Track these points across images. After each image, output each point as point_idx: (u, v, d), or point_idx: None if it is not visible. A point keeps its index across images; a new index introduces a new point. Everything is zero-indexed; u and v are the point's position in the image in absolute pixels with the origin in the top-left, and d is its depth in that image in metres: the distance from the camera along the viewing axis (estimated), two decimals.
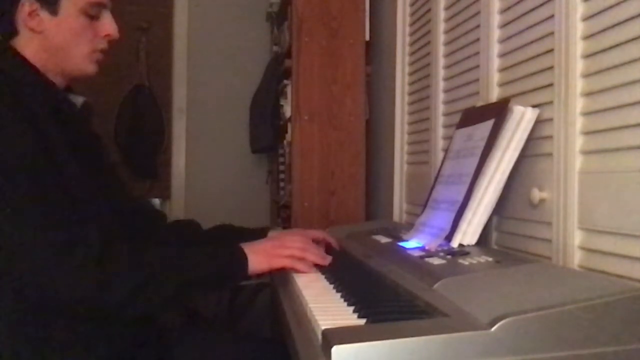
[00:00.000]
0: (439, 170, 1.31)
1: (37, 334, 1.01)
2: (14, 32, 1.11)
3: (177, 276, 1.03)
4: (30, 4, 1.09)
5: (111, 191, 1.23)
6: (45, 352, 1.01)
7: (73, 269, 0.95)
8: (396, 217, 1.84)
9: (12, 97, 1.02)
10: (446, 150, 1.32)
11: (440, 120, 1.52)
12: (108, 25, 1.16)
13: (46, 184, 0.99)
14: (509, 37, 1.17)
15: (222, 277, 1.10)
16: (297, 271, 1.13)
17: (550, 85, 1.01)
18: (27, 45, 1.11)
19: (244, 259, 1.09)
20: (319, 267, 1.16)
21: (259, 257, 1.11)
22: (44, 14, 1.10)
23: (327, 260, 1.17)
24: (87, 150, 1.18)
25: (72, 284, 0.95)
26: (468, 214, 1.07)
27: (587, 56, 0.93)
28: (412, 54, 1.78)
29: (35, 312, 1.01)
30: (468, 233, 1.07)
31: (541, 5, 1.05)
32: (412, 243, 1.19)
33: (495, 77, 1.22)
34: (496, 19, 1.22)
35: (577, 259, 0.92)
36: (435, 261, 0.96)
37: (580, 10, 0.94)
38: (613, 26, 0.87)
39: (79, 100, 1.19)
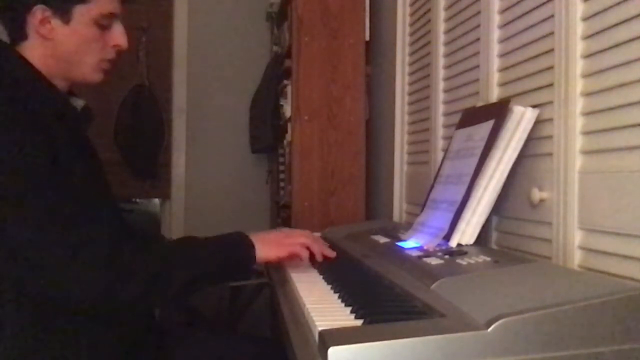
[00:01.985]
0: (438, 170, 1.30)
1: (37, 335, 1.01)
2: (23, 37, 1.11)
3: (187, 269, 1.03)
4: (42, 11, 1.08)
5: (108, 194, 1.23)
6: (45, 353, 1.01)
7: (85, 268, 0.95)
8: (396, 217, 1.84)
9: (17, 100, 1.02)
10: (446, 151, 1.31)
11: (440, 120, 1.51)
12: (118, 35, 1.16)
13: (54, 185, 0.99)
14: (509, 37, 1.17)
15: (230, 265, 1.11)
16: (301, 259, 1.15)
17: (550, 85, 1.00)
18: (35, 50, 1.10)
19: (251, 246, 1.10)
20: (319, 267, 1.16)
21: (267, 245, 1.12)
22: (56, 22, 1.10)
23: (333, 253, 1.19)
24: (87, 153, 1.18)
25: (84, 283, 0.96)
26: (467, 214, 1.07)
27: (587, 56, 0.93)
28: (412, 54, 1.78)
29: (36, 315, 1.01)
30: (466, 233, 1.07)
31: (541, 5, 1.05)
32: (410, 243, 1.19)
33: (495, 77, 1.21)
34: (496, 19, 1.21)
35: (577, 259, 0.92)
36: (433, 261, 0.96)
37: (580, 10, 0.94)
38: (613, 26, 0.87)
39: (79, 103, 1.19)
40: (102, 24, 1.13)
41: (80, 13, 1.10)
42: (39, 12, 1.08)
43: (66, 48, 1.11)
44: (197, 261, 1.06)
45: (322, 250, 1.19)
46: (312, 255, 1.18)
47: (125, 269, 0.98)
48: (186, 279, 1.03)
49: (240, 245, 1.10)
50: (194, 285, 1.06)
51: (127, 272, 0.97)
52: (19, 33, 1.11)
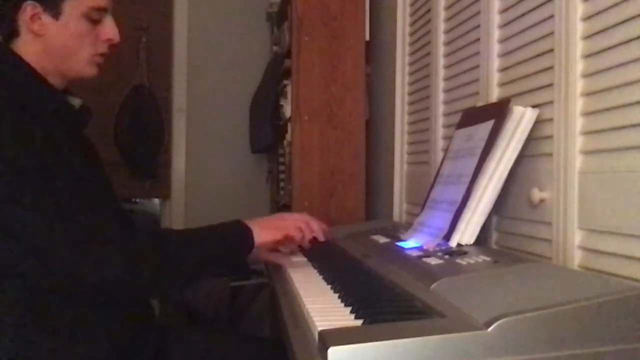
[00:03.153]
0: (438, 170, 1.30)
1: (38, 332, 1.01)
2: (14, 34, 1.11)
3: (194, 254, 1.07)
4: (32, 7, 1.09)
5: (110, 192, 1.24)
6: (46, 350, 1.01)
7: (101, 253, 0.98)
8: (396, 217, 1.84)
9: (15, 97, 1.02)
10: (446, 151, 1.31)
11: (440, 120, 1.51)
12: (109, 29, 1.16)
13: (61, 177, 1.00)
14: (509, 37, 1.17)
15: (231, 250, 1.15)
16: (295, 242, 1.23)
17: (550, 85, 1.00)
18: (28, 47, 1.11)
19: (248, 231, 1.15)
20: (319, 267, 1.17)
21: (263, 229, 1.17)
22: (46, 18, 1.10)
23: (323, 238, 1.26)
24: (86, 151, 1.18)
25: (101, 267, 0.98)
26: (467, 214, 1.07)
27: (587, 56, 0.93)
28: (412, 54, 1.78)
29: (36, 312, 1.01)
30: (466, 233, 1.07)
31: (541, 5, 1.05)
32: (410, 243, 1.19)
33: (495, 77, 1.22)
34: (496, 19, 1.21)
35: (577, 259, 0.92)
36: (433, 261, 0.96)
37: (580, 10, 0.94)
38: (613, 26, 0.87)
39: (76, 102, 1.19)
40: (93, 18, 1.13)
41: (70, 8, 1.10)
42: (29, 9, 1.09)
43: (58, 43, 1.11)
44: (203, 243, 1.10)
45: (314, 231, 1.25)
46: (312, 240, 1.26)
47: (139, 252, 1.00)
48: (196, 261, 1.07)
49: (240, 230, 1.15)
50: (202, 268, 1.10)
51: (141, 255, 1.00)
52: (10, 31, 1.11)
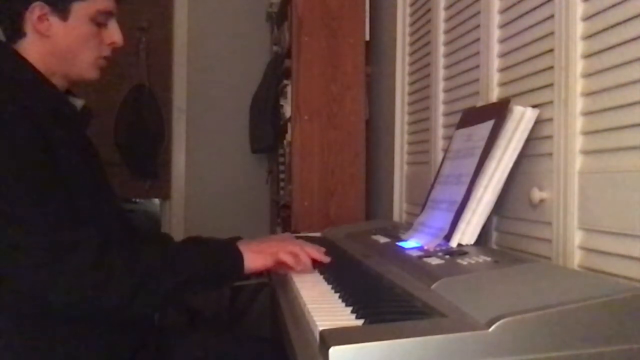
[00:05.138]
0: (438, 170, 1.31)
1: (36, 334, 1.01)
2: (21, 34, 1.11)
3: (173, 277, 1.02)
4: (40, 8, 1.09)
5: (109, 193, 1.23)
6: (45, 352, 1.01)
7: (69, 273, 0.95)
8: (396, 217, 1.84)
9: (14, 97, 1.02)
10: (446, 151, 1.32)
11: (440, 120, 1.52)
12: (114, 33, 1.17)
13: (47, 185, 0.99)
14: (509, 37, 1.17)
15: (217, 276, 1.10)
16: (292, 269, 1.13)
17: (550, 85, 1.00)
18: (33, 47, 1.11)
19: (239, 257, 1.09)
20: (318, 267, 1.16)
21: (256, 255, 1.11)
22: (54, 19, 1.10)
23: (326, 257, 1.18)
24: (86, 152, 1.18)
25: (67, 288, 0.95)
26: (467, 214, 1.07)
27: (587, 56, 0.93)
28: (412, 54, 1.78)
29: (35, 313, 1.01)
30: (467, 233, 1.07)
31: (541, 5, 1.05)
32: (410, 243, 1.19)
33: (495, 77, 1.22)
34: (496, 19, 1.21)
35: (577, 259, 0.92)
36: (434, 261, 0.96)
37: (580, 10, 0.94)
38: (613, 26, 0.87)
39: (78, 103, 1.19)
40: (99, 22, 1.14)
41: (77, 10, 1.11)
42: (37, 9, 1.09)
43: (64, 45, 1.12)
44: (190, 266, 1.05)
45: (312, 255, 1.16)
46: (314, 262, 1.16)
47: (108, 277, 0.96)
48: (171, 288, 1.02)
49: (229, 256, 1.10)
50: (182, 292, 1.06)
51: (110, 280, 0.96)
52: (16, 30, 1.11)
